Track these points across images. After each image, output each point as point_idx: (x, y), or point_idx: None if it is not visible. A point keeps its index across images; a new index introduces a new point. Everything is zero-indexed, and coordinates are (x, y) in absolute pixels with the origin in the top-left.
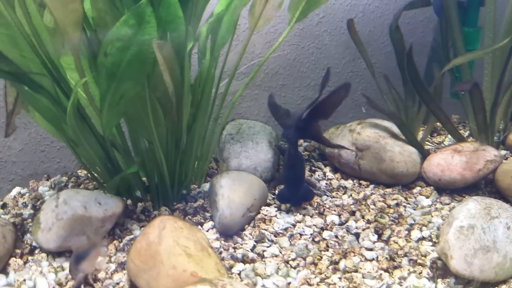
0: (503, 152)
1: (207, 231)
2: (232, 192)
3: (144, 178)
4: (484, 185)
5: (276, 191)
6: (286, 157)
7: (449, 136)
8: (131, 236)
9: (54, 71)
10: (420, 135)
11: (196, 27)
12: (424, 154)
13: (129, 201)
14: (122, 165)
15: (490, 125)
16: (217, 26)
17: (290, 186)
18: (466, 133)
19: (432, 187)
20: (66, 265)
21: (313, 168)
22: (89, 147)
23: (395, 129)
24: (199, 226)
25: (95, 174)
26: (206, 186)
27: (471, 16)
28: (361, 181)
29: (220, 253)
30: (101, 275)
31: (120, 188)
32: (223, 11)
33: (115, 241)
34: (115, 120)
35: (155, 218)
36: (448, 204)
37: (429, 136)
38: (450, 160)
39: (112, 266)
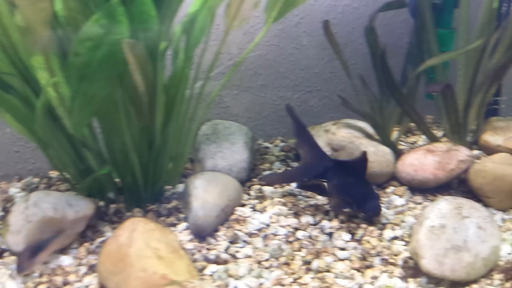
0: (476, 152)
1: (181, 232)
2: (206, 193)
3: (117, 179)
4: (457, 185)
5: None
6: (334, 188)
7: (423, 136)
8: (103, 238)
9: (25, 71)
10: (394, 135)
11: (170, 26)
12: (398, 154)
13: (101, 203)
14: (94, 166)
15: (463, 126)
16: (190, 26)
17: (369, 198)
18: (440, 134)
19: (405, 187)
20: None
21: (288, 168)
22: (60, 148)
23: (369, 129)
24: (173, 228)
25: (67, 176)
26: (181, 187)
27: (445, 18)
28: None
29: (193, 254)
30: (72, 277)
31: (92, 189)
32: (197, 11)
33: (86, 243)
34: (86, 121)
35: (127, 220)
36: (421, 203)
37: (403, 136)
38: (423, 160)
39: (83, 269)
